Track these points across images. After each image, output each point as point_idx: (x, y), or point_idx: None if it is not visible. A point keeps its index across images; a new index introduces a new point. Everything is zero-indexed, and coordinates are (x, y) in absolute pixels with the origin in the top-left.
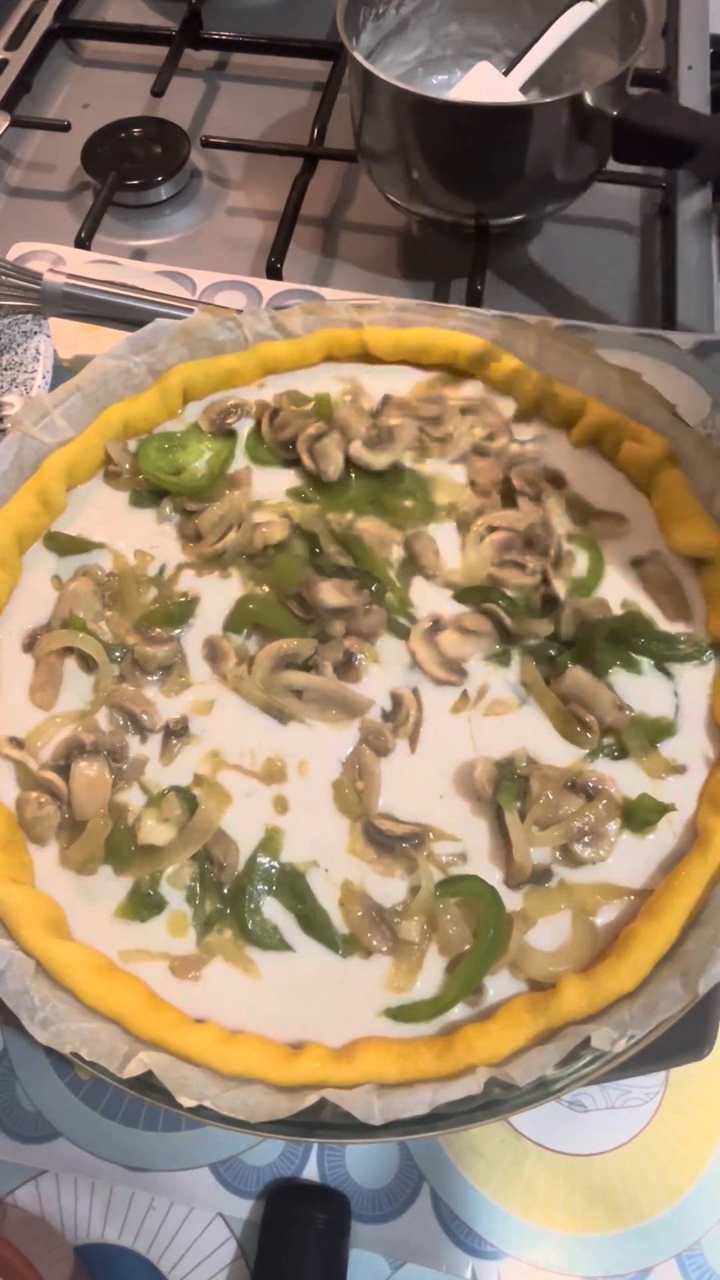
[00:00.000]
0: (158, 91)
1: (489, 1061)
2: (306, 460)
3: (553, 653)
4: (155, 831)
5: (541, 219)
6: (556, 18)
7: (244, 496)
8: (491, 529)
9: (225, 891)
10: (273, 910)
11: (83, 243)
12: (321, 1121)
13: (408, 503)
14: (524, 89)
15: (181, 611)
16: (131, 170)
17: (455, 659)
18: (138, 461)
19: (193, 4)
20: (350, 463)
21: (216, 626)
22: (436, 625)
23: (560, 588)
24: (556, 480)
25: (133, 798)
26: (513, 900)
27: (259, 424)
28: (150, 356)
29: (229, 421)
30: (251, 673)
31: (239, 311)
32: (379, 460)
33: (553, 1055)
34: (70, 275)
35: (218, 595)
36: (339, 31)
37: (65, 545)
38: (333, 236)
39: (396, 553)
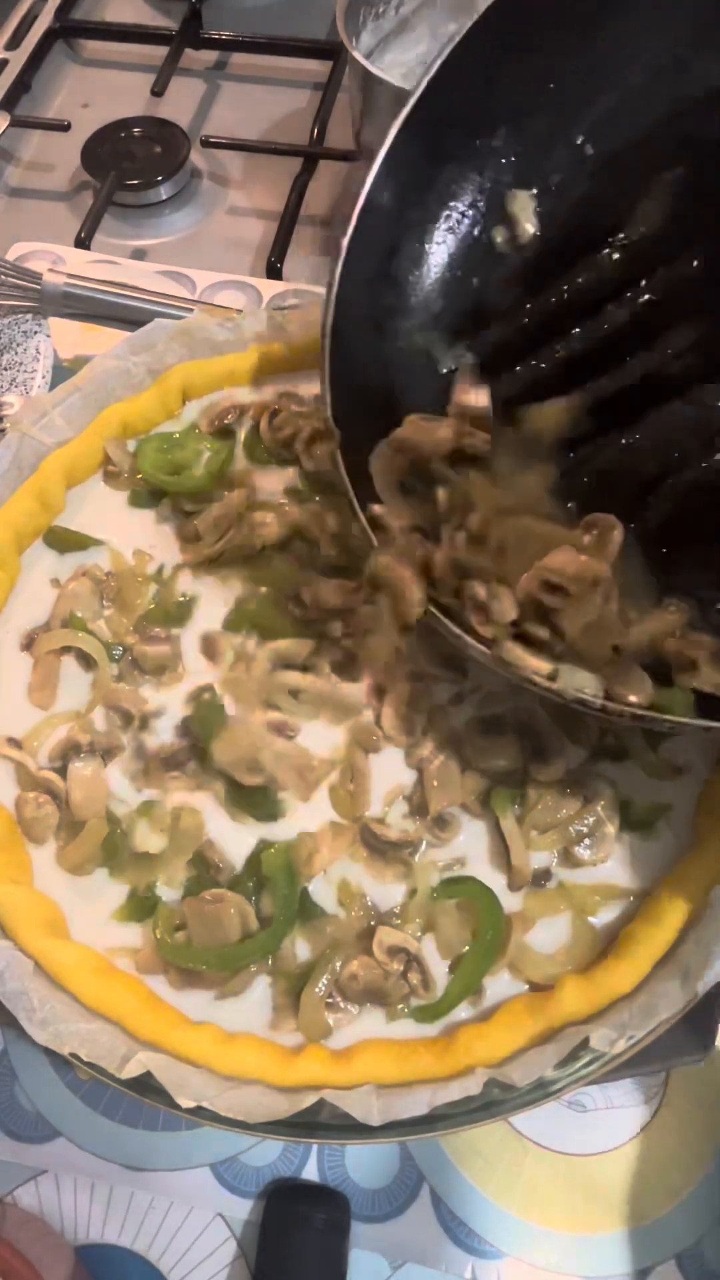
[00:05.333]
0: (158, 91)
1: (488, 1062)
2: (305, 460)
3: None
4: (149, 839)
5: None
6: None
7: (242, 497)
8: None
9: None
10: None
11: (83, 243)
12: (321, 1122)
13: None
14: None
15: (180, 611)
16: (131, 170)
17: (453, 657)
18: (136, 461)
19: (193, 3)
20: None
21: (215, 626)
22: None
23: None
24: None
25: (129, 797)
26: (512, 901)
27: (257, 424)
28: (149, 357)
29: (227, 421)
30: (249, 673)
31: (238, 312)
32: None
33: (552, 1056)
34: (70, 275)
35: (216, 595)
36: (339, 31)
37: (65, 541)
38: (333, 236)
39: None
